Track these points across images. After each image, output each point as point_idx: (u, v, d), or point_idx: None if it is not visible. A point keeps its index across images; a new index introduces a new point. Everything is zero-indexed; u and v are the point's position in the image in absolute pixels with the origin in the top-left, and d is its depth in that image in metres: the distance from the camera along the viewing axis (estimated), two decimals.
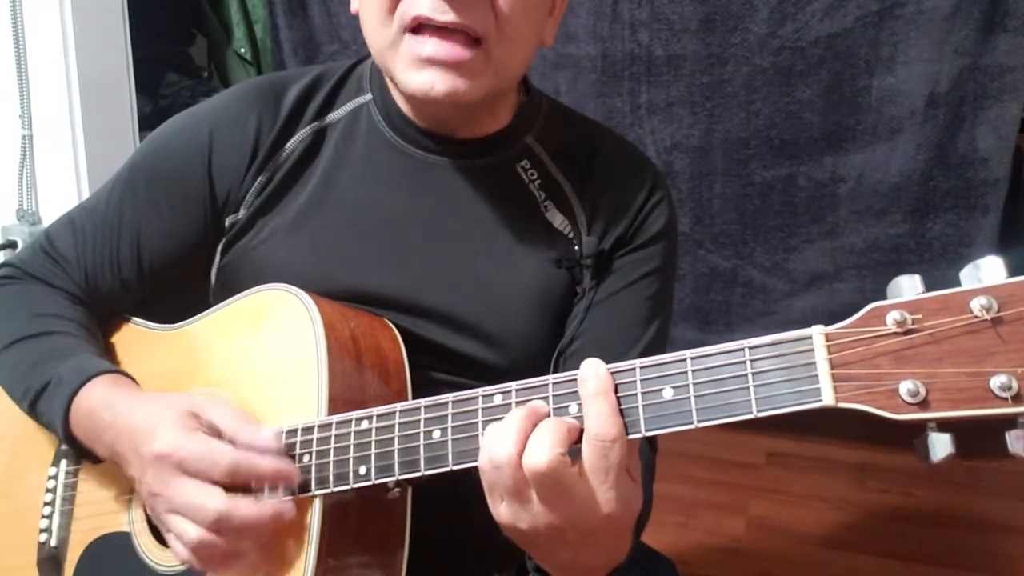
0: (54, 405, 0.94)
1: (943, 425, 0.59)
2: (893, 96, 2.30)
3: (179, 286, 1.08)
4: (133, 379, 0.98)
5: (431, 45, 0.89)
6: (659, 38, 2.38)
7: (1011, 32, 2.19)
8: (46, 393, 0.96)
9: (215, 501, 0.80)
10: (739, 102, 2.39)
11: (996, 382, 0.56)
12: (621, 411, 0.69)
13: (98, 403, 0.92)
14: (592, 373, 0.70)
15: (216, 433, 0.85)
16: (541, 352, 0.99)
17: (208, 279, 1.06)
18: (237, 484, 0.82)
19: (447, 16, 0.87)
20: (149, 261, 1.05)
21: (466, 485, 0.96)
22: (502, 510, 0.72)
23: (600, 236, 1.01)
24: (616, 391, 0.70)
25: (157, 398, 0.91)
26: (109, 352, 1.07)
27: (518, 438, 0.69)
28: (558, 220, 1.02)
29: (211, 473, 0.82)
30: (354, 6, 1.00)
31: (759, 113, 2.39)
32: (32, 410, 0.98)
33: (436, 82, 0.90)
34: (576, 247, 1.01)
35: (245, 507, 0.81)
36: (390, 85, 1.01)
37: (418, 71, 0.90)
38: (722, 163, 2.45)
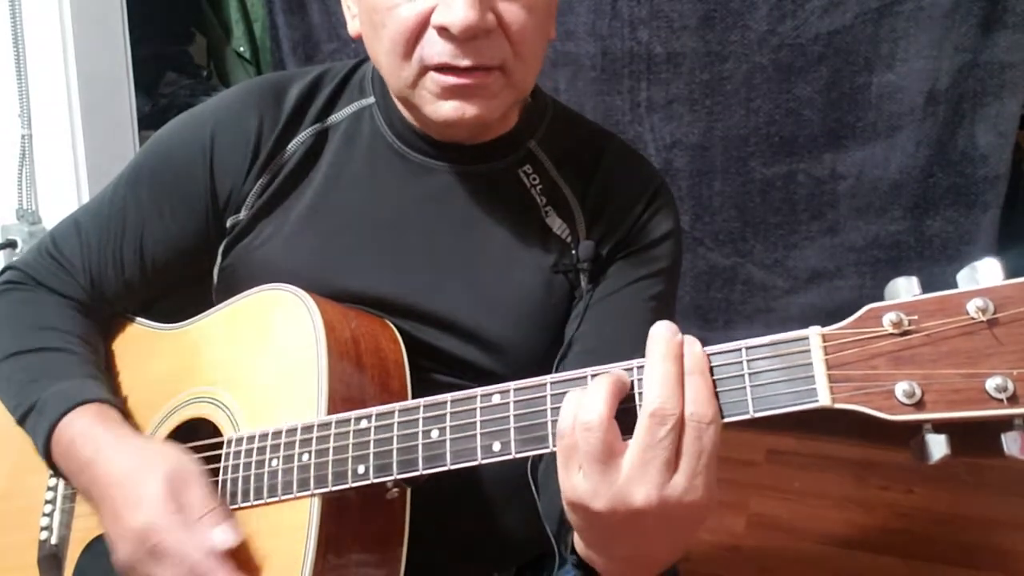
0: (37, 429, 0.95)
1: (939, 426, 0.59)
2: (893, 93, 2.30)
3: (183, 286, 1.08)
4: (118, 407, 0.98)
5: (454, 79, 0.88)
6: (658, 36, 2.38)
7: (1011, 29, 2.19)
8: (31, 415, 0.96)
9: None
10: (739, 99, 2.39)
11: (992, 384, 0.56)
12: (619, 410, 0.68)
13: (81, 435, 0.92)
14: (687, 351, 0.67)
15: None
16: (539, 358, 0.98)
17: (211, 279, 1.06)
18: None
19: (466, 61, 0.87)
20: (152, 262, 1.05)
21: (466, 485, 0.96)
22: (579, 482, 0.67)
23: (598, 241, 1.01)
24: (631, 387, 0.69)
25: (140, 451, 0.90)
26: (111, 352, 1.07)
27: (609, 401, 0.66)
28: (557, 225, 1.01)
29: (182, 567, 0.82)
30: (352, 30, 0.99)
31: (759, 110, 2.39)
32: (21, 426, 0.98)
33: (465, 109, 0.90)
34: (573, 251, 1.01)
35: None
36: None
37: (445, 100, 0.90)
38: (722, 160, 2.45)
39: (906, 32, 2.24)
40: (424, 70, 0.89)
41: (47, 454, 0.94)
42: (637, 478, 0.65)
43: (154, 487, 0.85)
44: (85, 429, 0.92)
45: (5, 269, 1.11)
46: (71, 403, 0.94)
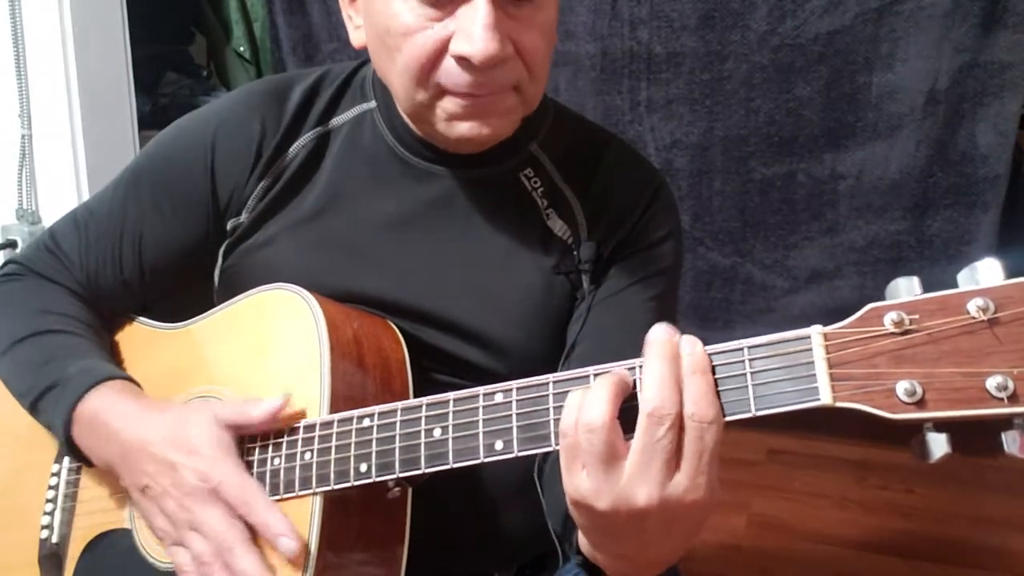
0: (58, 407, 0.94)
1: (940, 425, 0.59)
2: (893, 93, 2.29)
3: (181, 287, 1.08)
4: (138, 384, 0.98)
5: (472, 101, 0.89)
6: (658, 36, 2.38)
7: (1010, 29, 2.18)
8: (50, 393, 0.96)
9: (237, 539, 0.82)
10: (739, 99, 2.39)
11: (992, 382, 0.57)
12: (622, 409, 0.68)
13: (104, 409, 0.92)
14: (688, 351, 0.67)
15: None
16: (542, 359, 0.98)
17: (211, 280, 1.07)
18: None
19: (486, 89, 0.88)
20: (151, 262, 1.05)
21: (467, 485, 0.96)
22: (582, 482, 0.67)
23: (599, 242, 1.01)
24: (633, 386, 0.69)
25: (172, 409, 0.91)
26: (113, 350, 1.08)
27: (612, 401, 0.66)
28: (558, 227, 1.02)
29: (235, 504, 0.83)
30: (356, 41, 0.99)
31: (759, 110, 2.39)
32: (33, 409, 0.98)
33: (481, 128, 0.91)
34: (575, 252, 1.01)
35: (252, 557, 0.81)
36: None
37: (461, 121, 0.90)
38: (722, 160, 2.45)
39: (906, 32, 2.24)
40: (441, 93, 0.89)
41: (67, 431, 0.94)
42: (639, 478, 0.65)
43: (207, 434, 0.86)
44: (111, 402, 0.92)
45: (4, 263, 1.11)
46: (96, 379, 0.94)
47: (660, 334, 0.68)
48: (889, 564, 2.18)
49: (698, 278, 2.54)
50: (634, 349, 0.99)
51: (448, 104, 0.90)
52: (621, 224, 1.02)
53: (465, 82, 0.87)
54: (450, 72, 0.87)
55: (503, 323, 0.99)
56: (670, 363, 0.66)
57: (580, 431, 0.66)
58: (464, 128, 0.91)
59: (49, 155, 2.11)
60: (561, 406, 0.71)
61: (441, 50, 0.87)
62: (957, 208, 2.34)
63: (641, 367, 0.69)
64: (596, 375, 0.72)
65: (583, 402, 0.67)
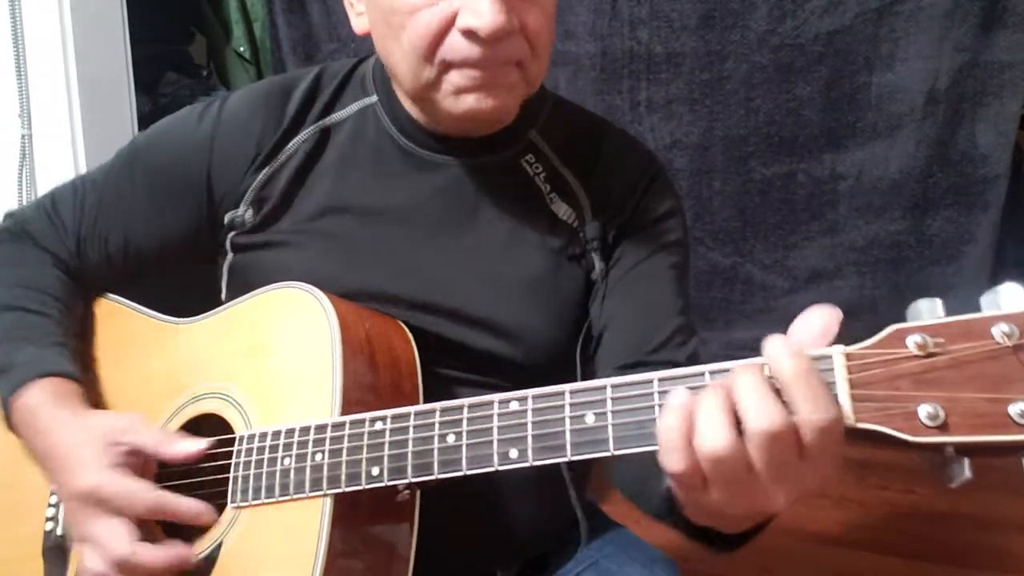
0: (2, 391, 0.97)
1: (961, 449, 0.59)
2: (893, 93, 2.30)
3: (167, 273, 1.11)
4: (79, 379, 0.99)
5: (477, 72, 0.91)
6: (658, 35, 2.38)
7: (1010, 28, 2.19)
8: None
9: (122, 543, 0.85)
10: (738, 99, 2.39)
11: (1015, 409, 0.57)
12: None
13: (33, 408, 0.94)
14: (791, 357, 0.64)
15: (139, 454, 0.89)
16: (556, 344, 1.00)
17: (214, 266, 1.09)
18: (159, 519, 0.88)
19: (491, 62, 0.90)
20: (136, 244, 1.07)
21: (472, 485, 0.97)
22: (712, 498, 0.66)
23: (604, 222, 1.03)
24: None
25: (82, 423, 0.93)
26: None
27: (732, 424, 0.63)
28: (563, 211, 1.03)
29: (132, 511, 0.86)
30: (359, 27, 1.00)
31: (759, 110, 2.39)
32: None
33: (483, 102, 0.92)
34: (581, 234, 1.03)
35: (145, 552, 0.84)
36: (395, 87, 1.02)
37: (468, 94, 0.92)
38: (722, 160, 2.45)
39: (906, 32, 2.25)
40: (446, 68, 0.91)
41: (7, 417, 0.97)
42: (772, 488, 0.65)
43: (92, 451, 0.89)
44: (41, 402, 0.94)
45: (4, 218, 1.13)
46: (35, 373, 0.96)
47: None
48: (889, 564, 2.17)
49: (698, 278, 2.54)
50: (666, 313, 1.00)
51: (455, 77, 0.91)
52: (624, 206, 1.04)
53: (472, 55, 0.89)
54: (455, 47, 0.89)
55: (514, 307, 1.00)
56: (766, 378, 0.64)
57: (702, 460, 0.64)
58: (471, 100, 0.92)
59: (49, 155, 2.10)
60: (577, 415, 0.71)
61: (446, 27, 0.89)
62: (957, 208, 2.34)
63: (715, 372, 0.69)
64: (613, 386, 0.72)
65: (700, 425, 0.64)
